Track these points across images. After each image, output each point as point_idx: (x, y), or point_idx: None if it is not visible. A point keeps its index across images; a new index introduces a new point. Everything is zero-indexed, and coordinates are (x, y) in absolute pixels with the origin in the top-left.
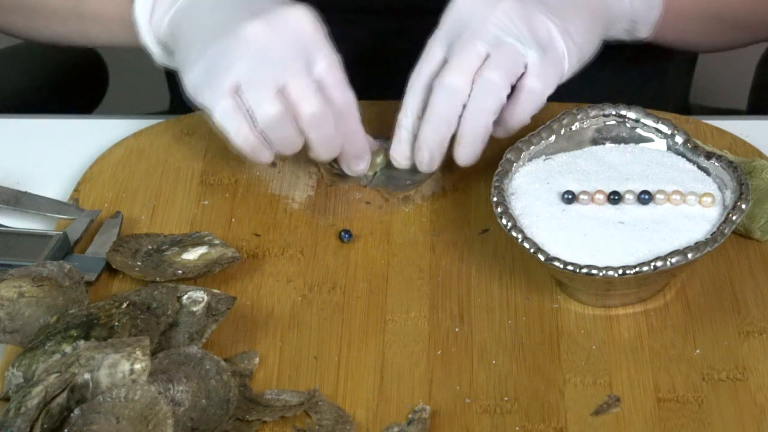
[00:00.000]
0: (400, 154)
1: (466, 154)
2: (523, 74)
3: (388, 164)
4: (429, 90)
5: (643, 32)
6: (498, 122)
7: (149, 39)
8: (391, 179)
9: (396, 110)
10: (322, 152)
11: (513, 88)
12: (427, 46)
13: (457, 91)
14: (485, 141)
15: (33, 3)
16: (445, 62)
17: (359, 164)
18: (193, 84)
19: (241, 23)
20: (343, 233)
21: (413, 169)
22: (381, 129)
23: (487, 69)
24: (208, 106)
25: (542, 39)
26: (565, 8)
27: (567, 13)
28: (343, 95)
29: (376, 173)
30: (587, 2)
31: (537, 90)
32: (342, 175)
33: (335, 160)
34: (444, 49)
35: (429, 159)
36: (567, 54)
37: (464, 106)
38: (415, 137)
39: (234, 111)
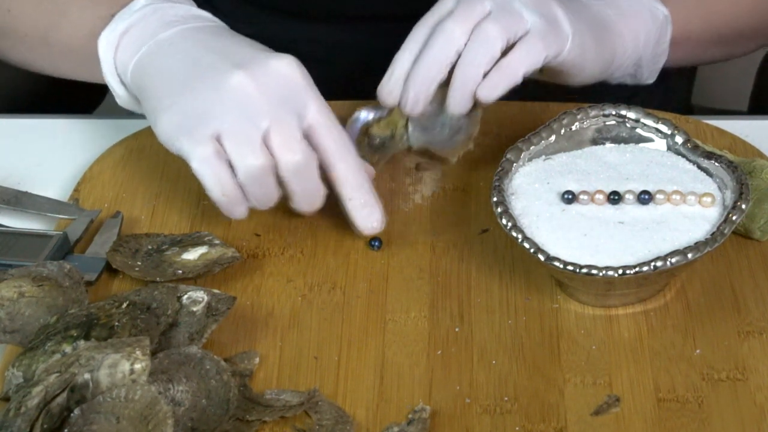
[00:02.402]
0: (385, 88)
1: (456, 101)
2: (522, 37)
3: (409, 119)
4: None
5: (649, 78)
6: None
7: (112, 78)
8: (426, 132)
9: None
10: (303, 204)
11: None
12: None
13: (453, 38)
14: (473, 92)
15: (3, 25)
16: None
17: (372, 214)
18: (168, 129)
19: (223, 73)
20: (373, 241)
21: (435, 113)
22: None
23: (486, 21)
24: (186, 153)
25: (549, 15)
26: (577, 16)
27: (578, 19)
28: (337, 135)
29: (407, 127)
30: (596, 26)
31: (536, 47)
32: (381, 147)
33: (370, 135)
34: (456, 2)
35: (413, 99)
36: (571, 36)
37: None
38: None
39: (214, 159)
